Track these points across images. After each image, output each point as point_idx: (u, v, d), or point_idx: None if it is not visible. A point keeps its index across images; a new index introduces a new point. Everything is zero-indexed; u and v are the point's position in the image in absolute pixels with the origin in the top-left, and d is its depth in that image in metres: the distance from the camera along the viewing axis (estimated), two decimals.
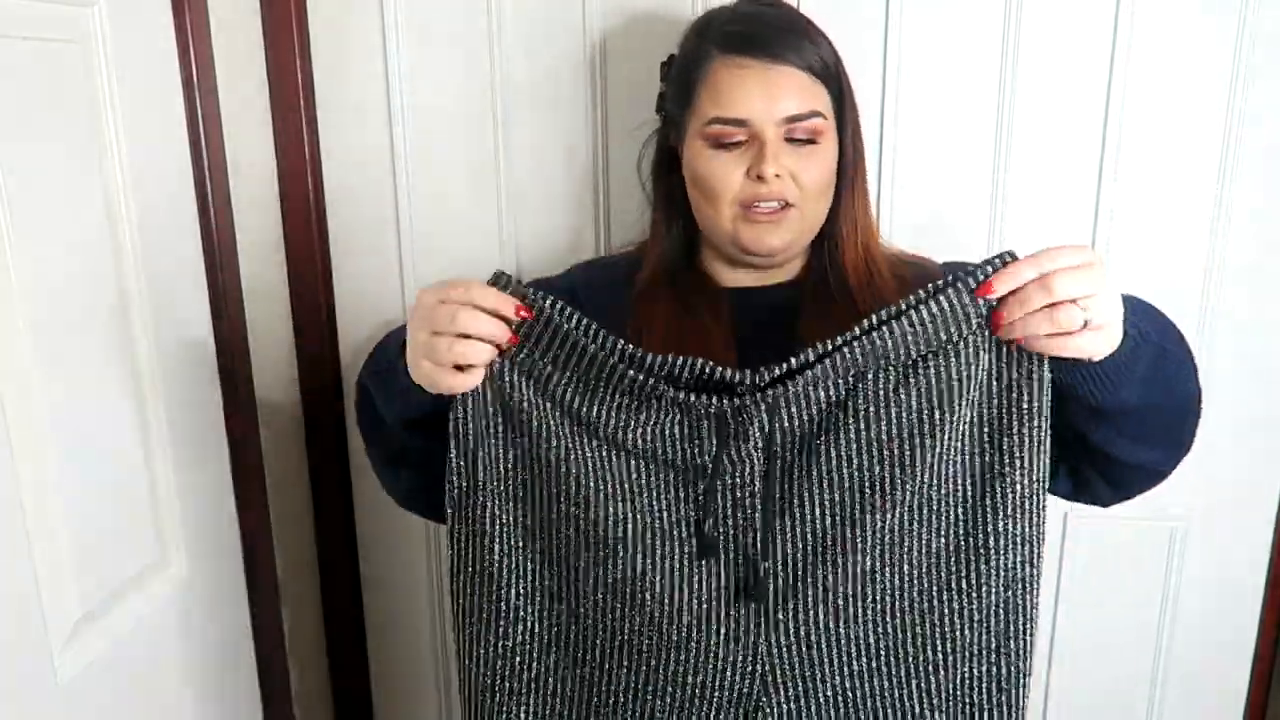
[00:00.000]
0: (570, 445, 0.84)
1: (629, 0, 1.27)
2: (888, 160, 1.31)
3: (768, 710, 0.84)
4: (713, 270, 1.04)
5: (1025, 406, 0.80)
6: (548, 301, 0.81)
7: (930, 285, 0.79)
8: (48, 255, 0.96)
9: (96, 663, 1.04)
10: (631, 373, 0.80)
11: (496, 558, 0.87)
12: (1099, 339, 0.76)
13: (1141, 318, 0.81)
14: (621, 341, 0.81)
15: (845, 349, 0.78)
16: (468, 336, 0.79)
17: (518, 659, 0.88)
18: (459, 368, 0.80)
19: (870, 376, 0.81)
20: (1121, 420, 0.83)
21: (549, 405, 0.83)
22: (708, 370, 0.79)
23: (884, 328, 0.78)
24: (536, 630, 0.88)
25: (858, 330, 0.79)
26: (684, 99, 0.98)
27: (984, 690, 0.85)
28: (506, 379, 0.83)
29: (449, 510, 0.87)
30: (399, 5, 1.32)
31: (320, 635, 1.57)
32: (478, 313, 0.79)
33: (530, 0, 1.30)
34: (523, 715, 0.88)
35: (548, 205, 1.37)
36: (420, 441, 0.91)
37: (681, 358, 0.80)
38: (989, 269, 0.77)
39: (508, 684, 0.88)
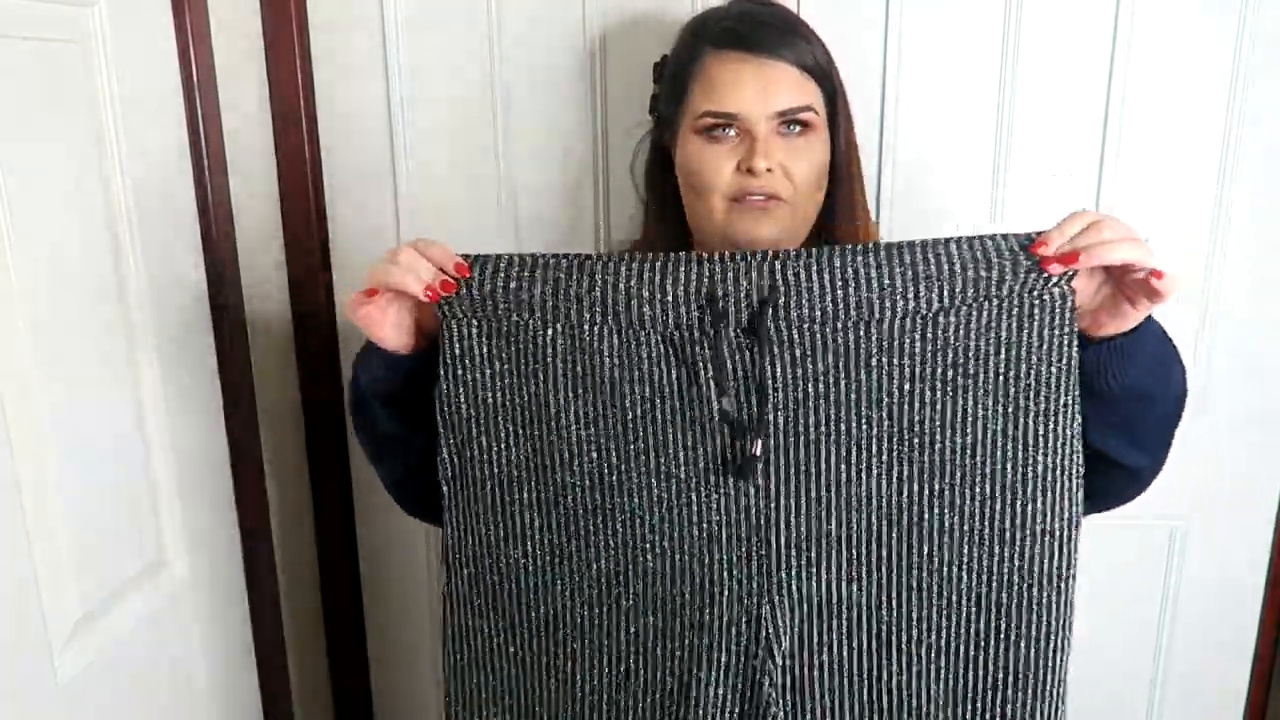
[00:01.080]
0: (564, 390, 0.81)
1: (628, 0, 1.27)
2: (887, 161, 1.31)
3: (771, 676, 0.81)
4: None
5: (1054, 377, 0.77)
6: (501, 263, 0.82)
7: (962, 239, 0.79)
8: (48, 255, 0.96)
9: (96, 663, 1.04)
10: (611, 297, 0.79)
11: (496, 529, 0.84)
12: (1171, 282, 0.76)
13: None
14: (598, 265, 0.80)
15: (852, 259, 0.77)
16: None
17: (521, 639, 0.85)
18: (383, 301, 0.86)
19: (886, 324, 0.78)
20: (1125, 410, 0.83)
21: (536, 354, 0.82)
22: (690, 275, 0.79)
23: (902, 250, 0.77)
24: (540, 607, 0.85)
25: (870, 245, 0.78)
26: (677, 96, 0.98)
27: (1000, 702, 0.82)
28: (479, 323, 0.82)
29: (444, 488, 0.86)
30: (399, 5, 1.32)
31: (320, 635, 1.57)
32: (417, 253, 0.83)
33: (529, 1, 1.30)
34: (534, 686, 0.86)
35: (547, 202, 1.37)
36: (399, 428, 0.92)
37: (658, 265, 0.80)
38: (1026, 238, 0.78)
39: (510, 665, 0.86)
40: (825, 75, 0.96)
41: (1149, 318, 0.81)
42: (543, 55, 1.31)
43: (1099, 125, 1.27)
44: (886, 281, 0.77)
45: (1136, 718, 1.50)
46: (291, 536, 1.47)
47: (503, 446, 0.83)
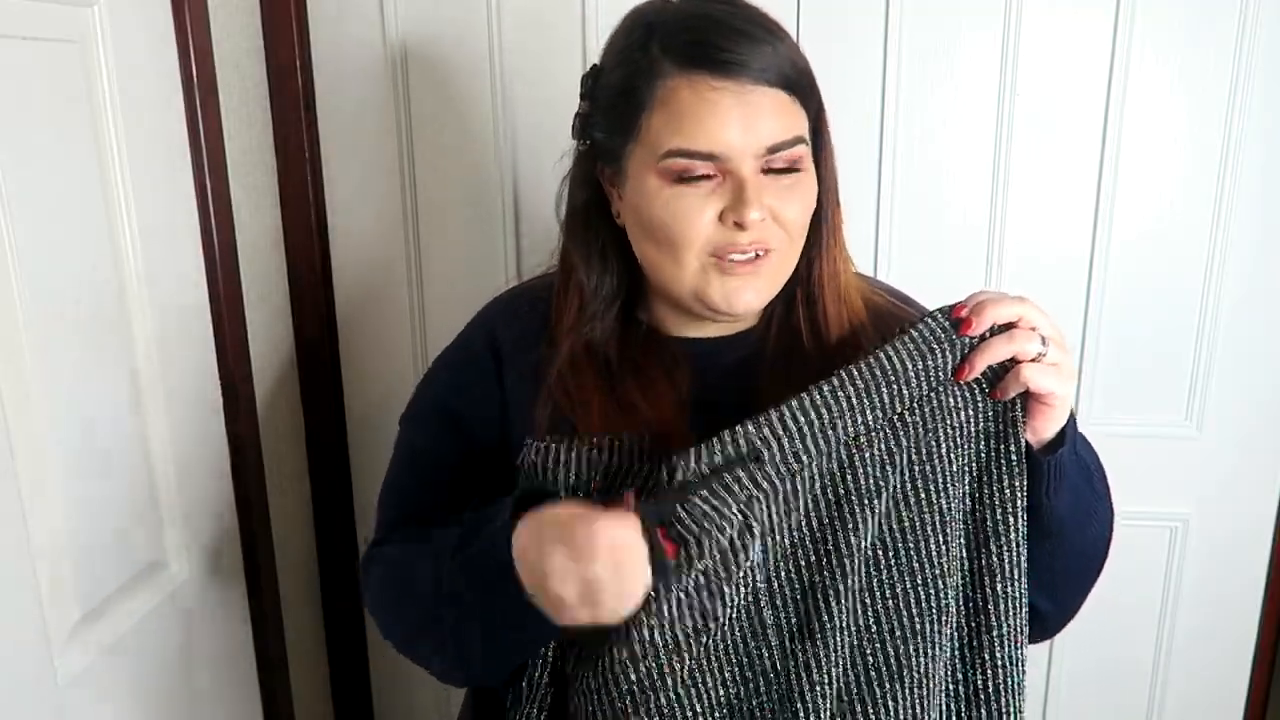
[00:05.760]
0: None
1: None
2: (887, 164, 1.31)
3: None
4: (657, 317, 0.87)
5: (1011, 460, 0.76)
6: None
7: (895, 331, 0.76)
8: (48, 255, 0.96)
9: (96, 663, 1.04)
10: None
11: None
12: (1054, 378, 0.73)
13: (1080, 441, 0.80)
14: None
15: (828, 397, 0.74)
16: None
17: None
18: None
19: (866, 449, 0.76)
20: (1041, 548, 0.80)
21: None
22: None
23: (856, 374, 0.74)
24: None
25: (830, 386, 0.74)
26: (625, 125, 0.78)
27: None
28: None
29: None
30: (399, 5, 1.32)
31: (320, 635, 1.57)
32: (616, 561, 0.68)
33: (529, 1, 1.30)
34: None
35: (548, 199, 1.37)
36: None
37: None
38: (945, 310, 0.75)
39: None
40: (809, 87, 0.79)
41: (1074, 444, 0.77)
42: (543, 55, 1.31)
43: (1099, 125, 1.28)
44: (846, 434, 0.75)
45: (1137, 718, 1.50)
46: (291, 536, 1.47)
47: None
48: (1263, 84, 1.24)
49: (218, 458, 1.28)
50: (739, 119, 0.74)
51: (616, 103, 0.78)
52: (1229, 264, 1.31)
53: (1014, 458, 0.76)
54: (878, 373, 0.75)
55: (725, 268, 0.77)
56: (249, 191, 1.32)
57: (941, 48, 1.27)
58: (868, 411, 0.75)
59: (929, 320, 0.75)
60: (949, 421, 0.76)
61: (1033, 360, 0.73)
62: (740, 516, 0.73)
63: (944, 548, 0.77)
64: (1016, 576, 0.78)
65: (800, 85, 0.77)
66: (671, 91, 0.74)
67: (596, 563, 0.66)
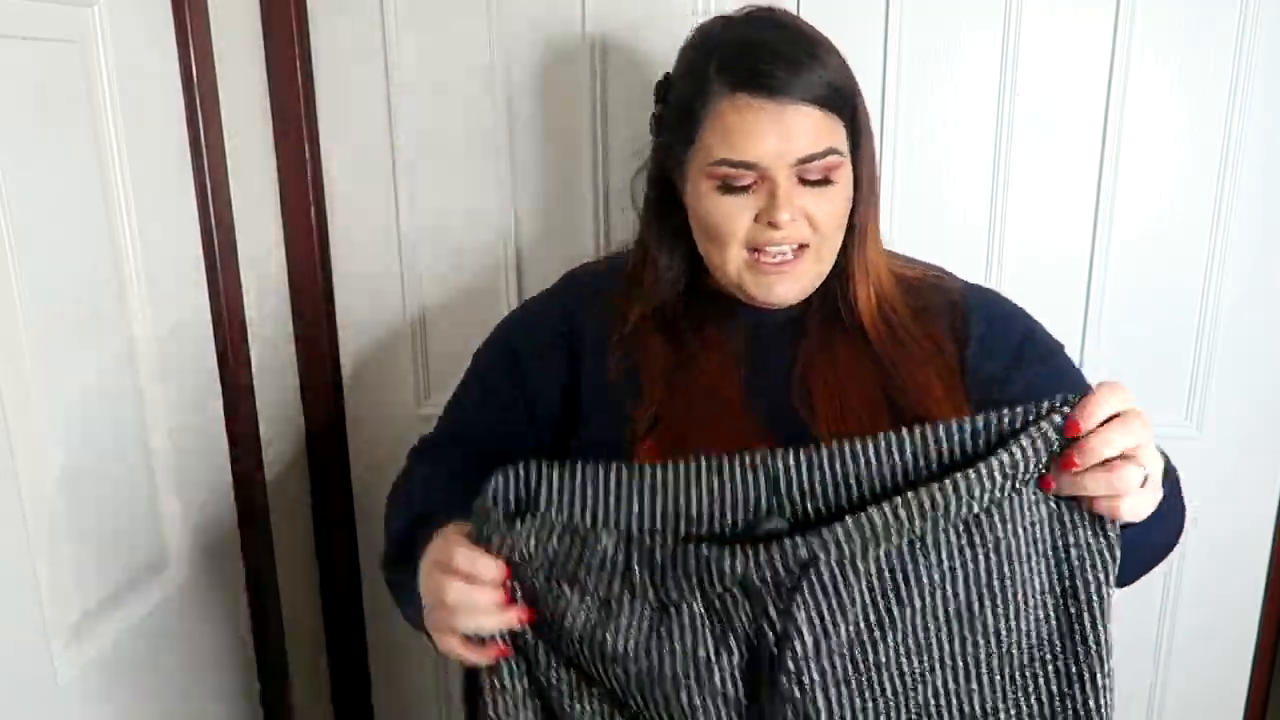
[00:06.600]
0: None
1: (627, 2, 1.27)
2: (887, 164, 1.31)
3: None
4: (721, 282, 0.98)
5: (1097, 559, 0.76)
6: (531, 542, 0.74)
7: (992, 421, 0.73)
8: (48, 256, 0.96)
9: (96, 663, 1.04)
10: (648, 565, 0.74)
11: None
12: (1147, 499, 0.73)
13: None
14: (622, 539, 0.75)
15: (901, 509, 0.72)
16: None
17: None
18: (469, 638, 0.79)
19: (931, 541, 0.74)
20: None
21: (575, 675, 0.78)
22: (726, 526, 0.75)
23: (947, 483, 0.71)
24: None
25: (911, 496, 0.72)
26: (686, 133, 0.90)
27: None
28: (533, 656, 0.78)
29: None
30: (399, 4, 1.32)
31: (320, 635, 1.57)
32: (466, 586, 0.76)
33: (530, 1, 1.30)
34: None
35: (547, 202, 1.37)
36: None
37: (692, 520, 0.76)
38: (1061, 412, 0.71)
39: None
40: (847, 103, 0.89)
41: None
42: (543, 53, 1.31)
43: (1099, 125, 1.27)
44: (931, 518, 0.72)
45: (1137, 718, 1.50)
46: (291, 537, 1.47)
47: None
48: (1263, 84, 1.24)
49: (218, 457, 1.28)
50: (775, 133, 0.85)
51: (680, 114, 0.91)
52: (1229, 264, 1.30)
53: (1106, 573, 0.76)
54: (956, 497, 0.72)
55: (761, 268, 0.90)
56: (249, 191, 1.32)
57: (941, 48, 1.27)
58: (941, 523, 0.73)
59: (1038, 419, 0.71)
60: (1028, 522, 0.74)
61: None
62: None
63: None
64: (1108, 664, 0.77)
65: (835, 101, 0.87)
66: (722, 111, 0.86)
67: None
